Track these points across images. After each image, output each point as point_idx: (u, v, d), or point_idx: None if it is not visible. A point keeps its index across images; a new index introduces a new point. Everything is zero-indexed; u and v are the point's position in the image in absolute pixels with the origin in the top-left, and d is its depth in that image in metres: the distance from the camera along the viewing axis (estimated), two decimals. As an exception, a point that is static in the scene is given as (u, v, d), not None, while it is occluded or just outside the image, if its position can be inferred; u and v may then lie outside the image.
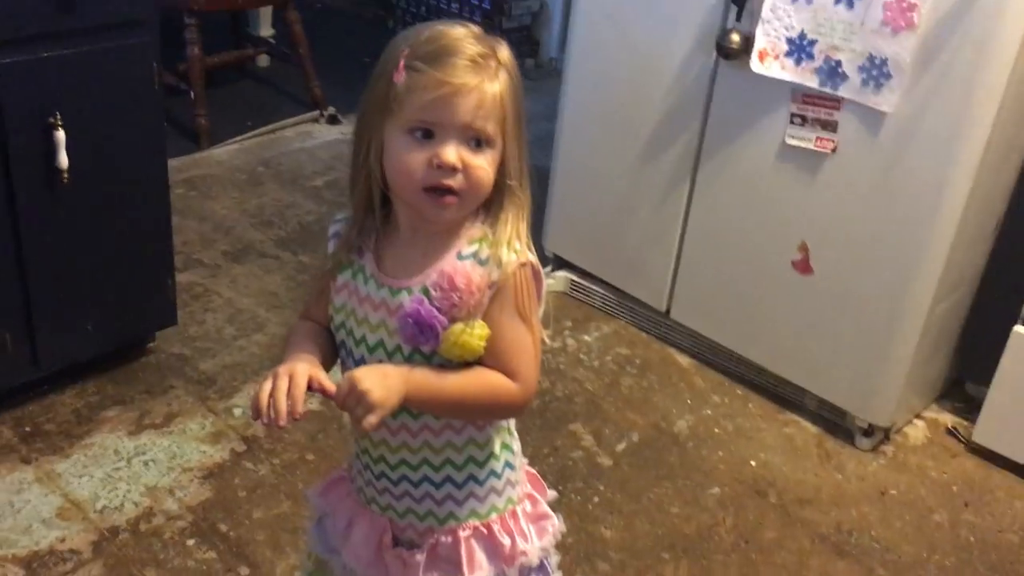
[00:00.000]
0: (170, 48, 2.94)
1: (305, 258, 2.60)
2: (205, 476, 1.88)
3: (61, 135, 1.75)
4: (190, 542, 1.73)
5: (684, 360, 2.36)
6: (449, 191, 0.99)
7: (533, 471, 1.22)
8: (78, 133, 1.78)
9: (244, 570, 1.69)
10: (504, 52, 1.01)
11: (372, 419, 0.95)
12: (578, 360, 2.33)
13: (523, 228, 1.05)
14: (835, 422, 2.17)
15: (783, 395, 2.23)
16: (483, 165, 0.99)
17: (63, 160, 1.76)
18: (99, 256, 1.94)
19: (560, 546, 1.23)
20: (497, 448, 1.12)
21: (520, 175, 1.04)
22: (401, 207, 1.05)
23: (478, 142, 0.99)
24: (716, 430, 2.14)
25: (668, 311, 2.37)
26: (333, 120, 3.39)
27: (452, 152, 0.97)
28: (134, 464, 1.89)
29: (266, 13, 3.73)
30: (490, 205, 1.04)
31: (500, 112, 0.99)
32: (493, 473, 1.12)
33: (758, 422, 2.18)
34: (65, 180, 1.78)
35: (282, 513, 1.81)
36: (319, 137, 3.32)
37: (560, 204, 2.51)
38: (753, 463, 2.06)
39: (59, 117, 1.74)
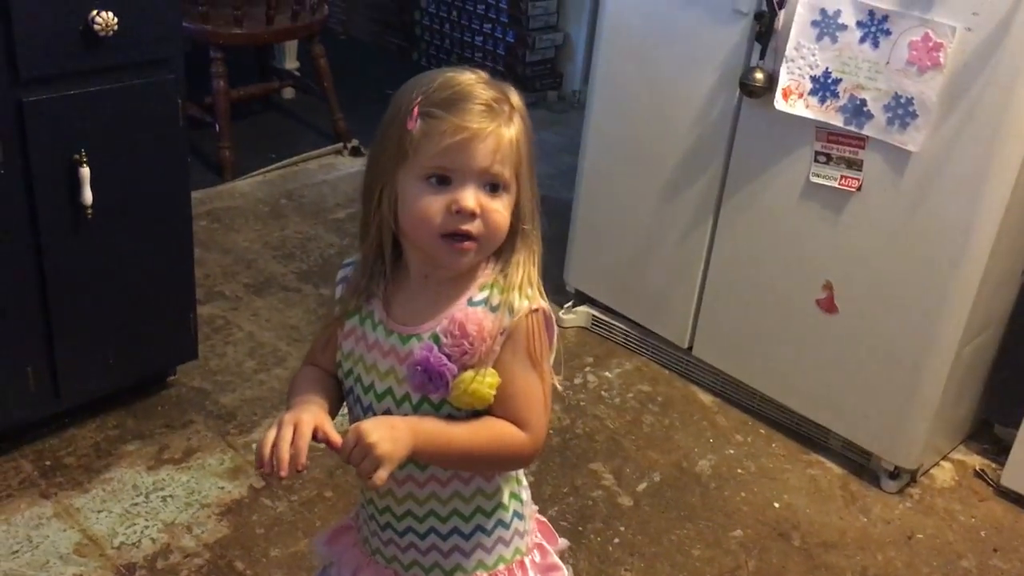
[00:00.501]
0: (196, 80, 2.98)
1: (326, 291, 2.60)
2: (223, 513, 1.87)
3: (86, 172, 1.76)
4: (207, 580, 1.72)
5: (706, 398, 2.33)
6: (467, 237, 0.98)
7: (544, 519, 1.20)
8: (102, 169, 1.79)
9: (260, 610, 1.68)
10: (515, 97, 1.02)
11: (382, 474, 0.94)
12: (599, 397, 2.31)
13: (534, 272, 1.04)
14: (860, 463, 2.13)
15: (807, 435, 2.20)
16: (500, 209, 0.99)
17: (87, 196, 1.78)
18: (121, 291, 1.94)
19: (579, 589, 1.21)
20: (505, 498, 1.10)
21: (532, 218, 1.04)
22: (412, 253, 1.04)
23: (494, 187, 0.99)
24: (739, 470, 2.11)
25: (691, 348, 2.34)
26: (356, 152, 3.41)
27: (471, 197, 0.97)
28: (152, 500, 1.88)
29: (291, 46, 3.76)
30: (501, 250, 1.03)
31: (515, 156, 0.99)
32: (501, 523, 1.10)
33: (782, 463, 2.14)
34: (89, 216, 1.80)
35: (299, 551, 1.79)
36: (342, 169, 3.33)
37: (582, 239, 2.50)
38: (777, 505, 2.02)
39: (84, 154, 1.75)
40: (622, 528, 1.92)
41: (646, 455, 2.13)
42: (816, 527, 1.97)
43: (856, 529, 1.98)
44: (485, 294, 1.02)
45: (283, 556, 1.78)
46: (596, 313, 2.53)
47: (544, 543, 1.17)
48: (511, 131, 0.99)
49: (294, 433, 0.96)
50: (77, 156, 1.75)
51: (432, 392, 1.01)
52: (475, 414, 1.02)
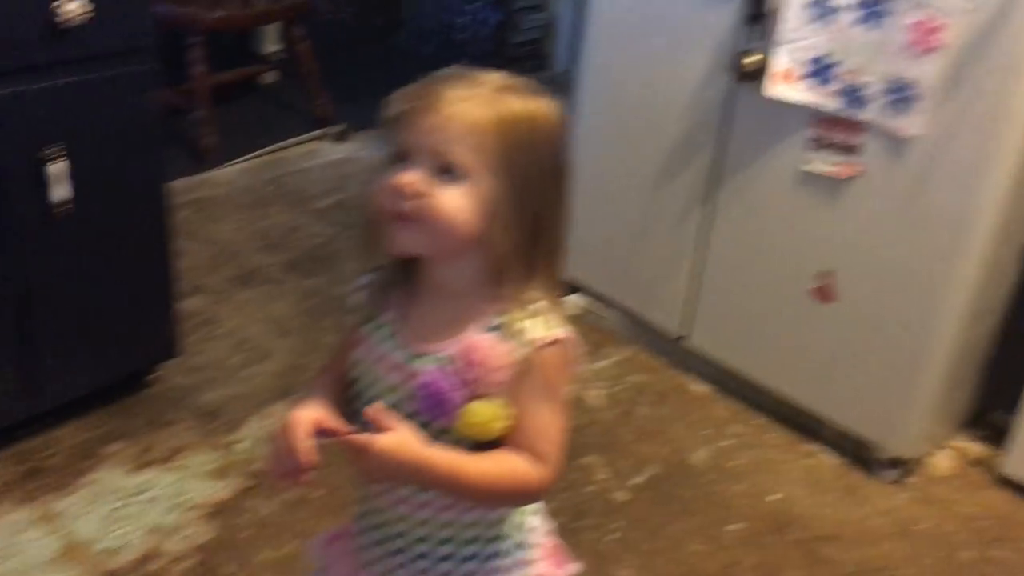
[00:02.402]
0: (176, 65, 2.91)
1: (311, 283, 2.55)
2: (210, 514, 1.82)
3: (54, 169, 1.70)
4: (193, 586, 1.68)
5: (701, 388, 2.29)
6: (402, 217, 0.90)
7: (555, 543, 1.15)
8: (75, 164, 1.73)
9: (249, 616, 1.64)
10: (515, 99, 0.93)
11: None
12: (592, 388, 2.27)
13: (554, 296, 0.97)
14: (858, 454, 2.09)
15: (804, 425, 2.16)
16: (446, 195, 0.90)
17: (57, 194, 1.71)
18: (99, 288, 1.89)
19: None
20: (507, 528, 1.05)
21: (531, 230, 0.94)
22: (424, 263, 0.98)
23: (446, 171, 0.90)
24: (735, 462, 2.07)
25: (685, 337, 2.30)
26: (341, 137, 3.34)
27: (408, 174, 0.89)
28: (137, 502, 1.84)
29: (273, 29, 3.68)
30: (515, 270, 0.96)
31: (479, 142, 0.89)
32: (497, 554, 1.05)
33: (778, 454, 2.11)
34: (60, 213, 1.73)
35: (289, 553, 1.75)
36: (326, 155, 3.26)
37: (573, 226, 2.44)
38: (774, 497, 1.99)
39: (52, 150, 1.69)
40: (617, 524, 1.89)
41: (640, 448, 2.10)
42: (814, 520, 1.94)
43: (854, 521, 1.95)
44: (503, 319, 0.95)
45: (272, 558, 1.74)
46: (588, 302, 2.49)
47: (553, 572, 1.11)
48: (475, 112, 0.89)
49: (294, 436, 0.94)
50: (44, 153, 1.69)
51: (436, 419, 0.95)
52: (481, 445, 0.96)
